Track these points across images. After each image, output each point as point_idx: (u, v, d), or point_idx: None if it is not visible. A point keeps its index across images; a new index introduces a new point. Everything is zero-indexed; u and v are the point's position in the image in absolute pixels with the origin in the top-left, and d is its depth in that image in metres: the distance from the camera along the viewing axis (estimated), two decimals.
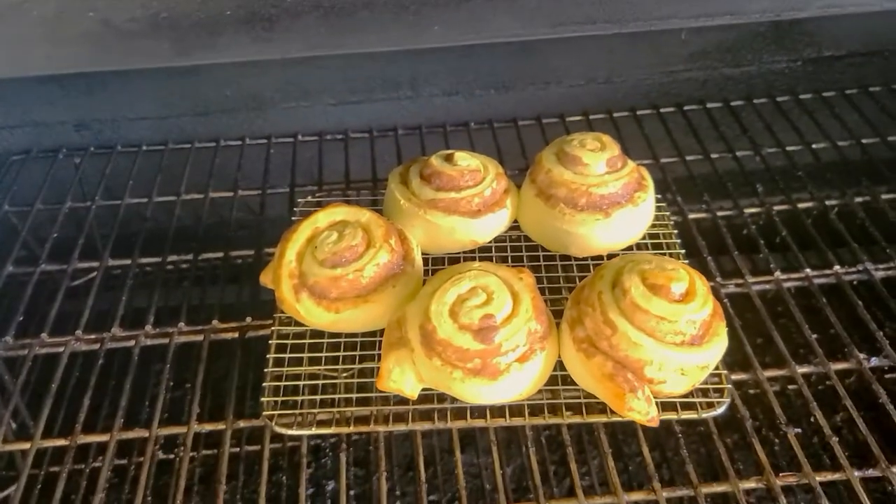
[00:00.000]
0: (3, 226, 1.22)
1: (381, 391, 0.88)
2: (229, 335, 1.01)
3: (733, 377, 0.93)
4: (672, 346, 0.83)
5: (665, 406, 0.87)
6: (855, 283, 1.07)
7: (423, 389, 0.89)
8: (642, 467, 1.01)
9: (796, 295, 1.05)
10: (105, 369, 1.00)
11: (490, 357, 0.83)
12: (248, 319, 1.02)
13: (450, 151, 1.08)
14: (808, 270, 1.07)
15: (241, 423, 0.91)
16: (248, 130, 1.35)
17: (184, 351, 1.01)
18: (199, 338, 1.00)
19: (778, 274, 1.06)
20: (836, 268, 1.07)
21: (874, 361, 0.95)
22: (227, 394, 0.94)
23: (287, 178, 1.25)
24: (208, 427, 0.91)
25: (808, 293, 1.05)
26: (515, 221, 1.10)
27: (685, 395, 0.88)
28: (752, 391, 0.98)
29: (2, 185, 1.27)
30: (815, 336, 0.98)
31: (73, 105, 1.35)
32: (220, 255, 1.12)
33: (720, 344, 0.86)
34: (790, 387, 0.99)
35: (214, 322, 1.02)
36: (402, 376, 0.87)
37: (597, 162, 1.04)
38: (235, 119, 1.37)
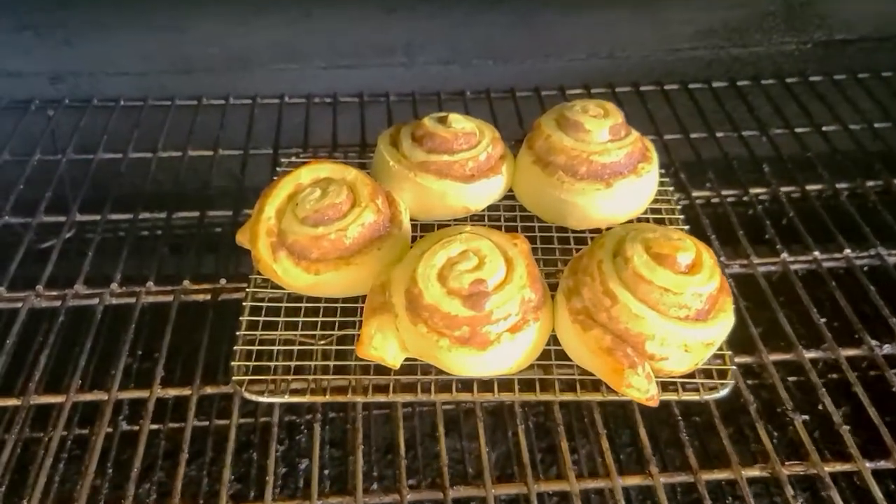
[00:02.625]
0: None
1: (360, 360, 0.82)
2: (201, 297, 0.94)
3: (736, 360, 0.88)
4: (676, 321, 0.77)
5: (664, 386, 0.81)
6: (866, 268, 1.01)
7: (406, 360, 0.82)
8: (635, 452, 0.96)
9: (804, 278, 0.99)
10: (69, 330, 0.93)
11: (479, 325, 0.77)
12: (223, 281, 0.95)
13: (444, 114, 1.02)
14: (816, 253, 1.01)
15: (209, 389, 0.85)
16: (232, 90, 1.28)
17: (153, 312, 0.95)
18: (169, 298, 0.94)
19: (785, 256, 1.01)
20: (847, 252, 1.01)
21: (887, 349, 0.90)
22: (195, 359, 0.87)
23: (271, 139, 1.19)
24: (173, 392, 0.85)
25: (817, 277, 0.99)
26: (510, 190, 1.05)
27: (686, 376, 0.82)
28: (755, 375, 0.91)
29: None
30: (822, 321, 0.92)
31: (49, 56, 1.28)
32: (196, 214, 1.06)
33: (726, 321, 0.80)
34: (793, 374, 0.93)
35: (186, 282, 0.95)
36: (384, 343, 0.80)
37: (599, 129, 0.98)
38: (219, 79, 1.31)
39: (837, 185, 1.13)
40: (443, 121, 1.01)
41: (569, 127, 0.99)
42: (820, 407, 0.84)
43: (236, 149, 1.17)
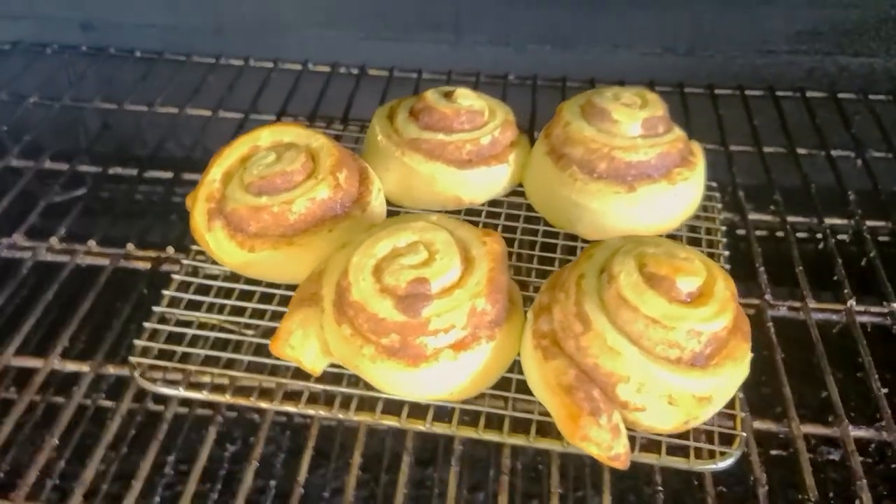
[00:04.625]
0: None
1: (278, 359, 0.68)
2: (141, 264, 0.83)
3: (757, 425, 0.68)
4: (662, 363, 0.59)
5: (647, 445, 0.63)
6: None
7: (334, 367, 0.68)
8: None
9: (873, 334, 0.78)
10: None
11: (413, 335, 0.62)
12: (170, 249, 0.83)
13: (452, 88, 0.87)
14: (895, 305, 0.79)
15: (111, 369, 0.73)
16: (258, 52, 1.17)
17: (87, 275, 0.84)
18: (105, 262, 0.83)
19: (852, 303, 0.79)
20: None
21: None
22: (108, 332, 0.76)
23: (279, 105, 1.07)
24: (71, 366, 0.73)
25: (891, 335, 0.77)
26: (522, 186, 0.88)
27: (680, 436, 0.64)
28: (779, 449, 0.71)
29: None
30: (885, 391, 0.70)
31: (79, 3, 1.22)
32: (170, 175, 0.94)
33: (735, 373, 0.61)
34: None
35: (130, 246, 0.84)
36: (303, 342, 0.66)
37: (630, 121, 0.80)
38: (249, 40, 1.20)
39: None
40: (449, 95, 0.86)
41: (594, 115, 0.81)
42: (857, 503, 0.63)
43: (239, 111, 1.06)
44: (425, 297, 0.62)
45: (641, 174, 0.79)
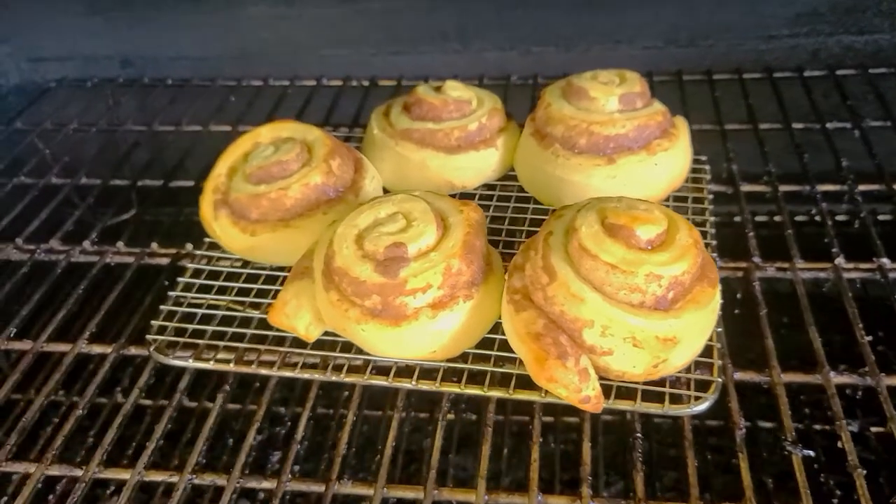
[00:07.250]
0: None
1: (280, 332, 0.73)
2: (163, 260, 0.90)
3: (739, 376, 0.70)
4: (623, 306, 0.62)
5: (624, 393, 0.66)
6: None
7: (330, 335, 0.73)
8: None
9: (861, 289, 0.79)
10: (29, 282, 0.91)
11: (393, 295, 0.66)
12: (189, 246, 0.90)
13: (443, 82, 0.92)
14: (884, 261, 0.80)
15: (132, 349, 0.79)
16: (275, 72, 1.25)
17: (119, 271, 0.91)
18: (130, 259, 0.90)
19: (840, 261, 0.80)
20: None
21: None
22: (132, 318, 0.82)
23: (295, 117, 1.14)
24: (97, 349, 0.79)
25: (881, 289, 0.78)
26: (514, 170, 0.92)
27: (657, 384, 0.66)
28: (764, 398, 0.72)
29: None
30: (868, 339, 0.71)
31: (117, 40, 1.32)
32: (191, 184, 1.02)
33: (701, 316, 0.63)
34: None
35: (153, 245, 0.91)
36: (297, 311, 0.71)
37: (607, 97, 0.84)
38: (268, 61, 1.28)
39: None
40: (438, 89, 0.91)
41: (572, 94, 0.86)
42: (839, 444, 0.64)
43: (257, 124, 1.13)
44: (402, 260, 0.67)
45: (620, 146, 0.82)
